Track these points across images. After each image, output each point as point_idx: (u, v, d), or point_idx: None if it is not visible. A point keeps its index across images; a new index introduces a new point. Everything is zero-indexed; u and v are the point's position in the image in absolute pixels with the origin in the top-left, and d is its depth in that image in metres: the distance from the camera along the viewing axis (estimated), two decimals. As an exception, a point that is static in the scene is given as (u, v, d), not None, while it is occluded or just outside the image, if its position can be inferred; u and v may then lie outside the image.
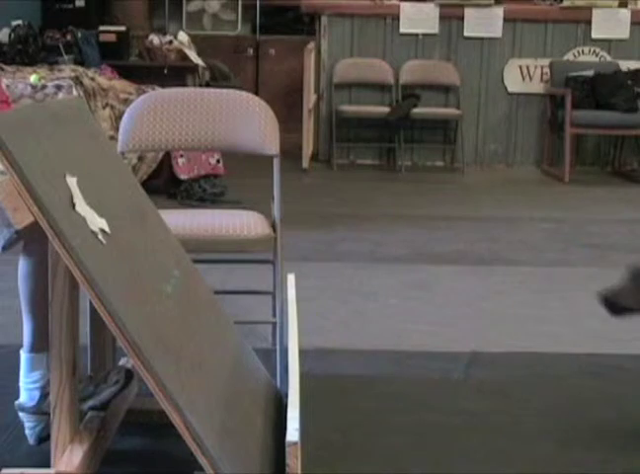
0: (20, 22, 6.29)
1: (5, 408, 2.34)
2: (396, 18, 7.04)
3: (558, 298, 3.77)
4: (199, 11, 8.75)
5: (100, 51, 6.58)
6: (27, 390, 2.15)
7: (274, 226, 2.78)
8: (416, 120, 6.97)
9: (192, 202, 5.39)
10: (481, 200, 5.96)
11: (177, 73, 6.76)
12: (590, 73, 6.75)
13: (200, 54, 7.14)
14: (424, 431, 2.48)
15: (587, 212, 5.60)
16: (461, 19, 7.05)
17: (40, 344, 2.09)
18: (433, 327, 3.35)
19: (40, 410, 2.11)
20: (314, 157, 7.13)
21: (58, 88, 5.22)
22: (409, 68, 7.04)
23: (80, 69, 5.72)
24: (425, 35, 7.09)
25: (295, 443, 1.68)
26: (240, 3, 8.69)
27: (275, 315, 2.87)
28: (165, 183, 5.58)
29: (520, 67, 7.14)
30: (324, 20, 7.11)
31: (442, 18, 7.04)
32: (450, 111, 7.08)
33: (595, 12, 7.04)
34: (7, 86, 5.07)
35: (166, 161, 5.56)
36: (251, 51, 8.54)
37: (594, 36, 7.09)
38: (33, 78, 5.28)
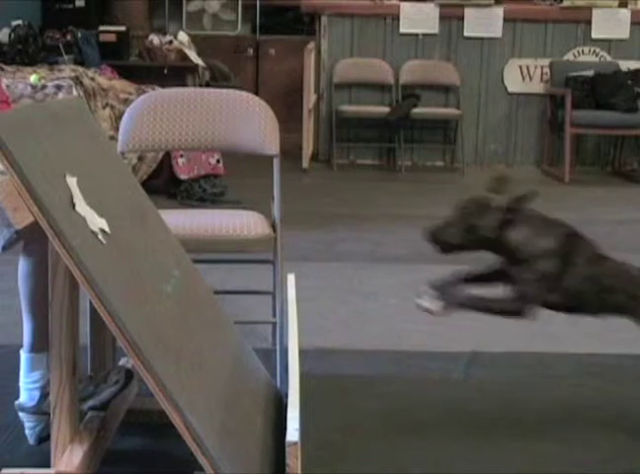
0: (20, 22, 6.30)
1: (5, 408, 2.34)
2: (396, 18, 7.04)
3: (558, 298, 3.76)
4: (199, 11, 8.75)
5: (100, 51, 6.58)
6: (27, 390, 2.15)
7: (274, 226, 2.78)
8: (416, 120, 6.97)
9: (192, 202, 5.39)
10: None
11: (177, 73, 6.76)
12: (590, 73, 6.75)
13: (199, 54, 7.14)
14: (424, 431, 2.48)
15: (587, 212, 5.59)
16: (461, 19, 7.05)
17: (41, 344, 2.09)
18: (433, 327, 3.35)
19: (41, 410, 2.11)
20: (314, 157, 7.13)
21: (58, 88, 5.22)
22: (409, 68, 7.04)
23: (80, 69, 5.72)
24: (425, 35, 7.09)
25: (295, 443, 1.68)
26: (240, 3, 8.69)
27: (275, 315, 2.87)
28: (165, 183, 5.58)
29: (520, 67, 7.14)
30: (324, 20, 7.11)
31: (442, 18, 7.04)
32: (450, 111, 7.08)
33: (595, 12, 7.04)
34: (7, 86, 5.07)
35: (166, 161, 5.56)
36: (251, 51, 8.54)
37: (594, 36, 7.09)
38: (33, 78, 5.28)
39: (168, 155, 5.52)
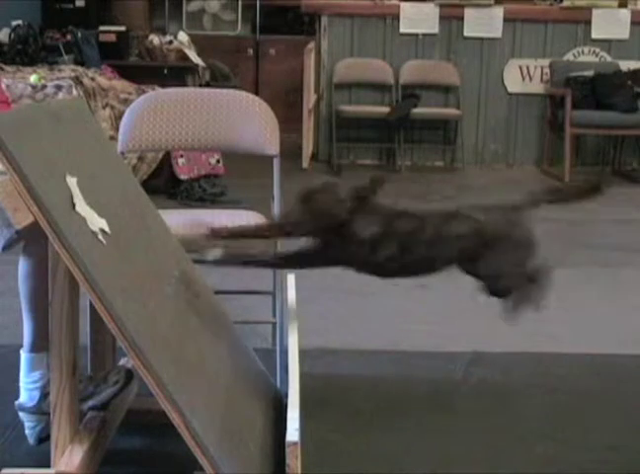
0: (20, 22, 6.30)
1: (5, 408, 2.34)
2: (396, 18, 7.04)
3: (558, 298, 3.75)
4: (199, 11, 8.76)
5: (100, 51, 6.58)
6: (27, 390, 2.15)
7: (274, 226, 2.77)
8: (416, 120, 6.96)
9: (192, 202, 5.39)
10: (481, 201, 5.94)
11: (177, 73, 6.76)
12: (590, 73, 6.74)
13: (199, 54, 7.14)
14: (424, 431, 2.48)
15: (587, 212, 5.59)
16: (461, 19, 7.04)
17: (41, 344, 2.09)
18: (433, 327, 3.35)
19: (41, 410, 2.11)
20: (314, 157, 7.12)
21: (58, 88, 5.21)
22: (409, 68, 7.04)
23: (80, 69, 5.72)
24: (425, 35, 7.08)
25: (295, 443, 1.68)
26: (240, 3, 8.69)
27: (275, 315, 2.87)
28: (165, 183, 5.58)
29: (520, 67, 7.14)
30: (324, 20, 7.10)
31: (442, 18, 7.04)
32: (450, 111, 7.07)
33: (595, 12, 7.04)
34: (7, 86, 5.08)
35: (166, 161, 5.56)
36: (251, 51, 8.54)
37: (594, 36, 7.09)
38: (33, 78, 5.28)
39: (168, 155, 5.52)
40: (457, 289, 3.86)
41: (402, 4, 7.05)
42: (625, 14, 7.08)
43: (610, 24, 7.06)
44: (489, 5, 7.03)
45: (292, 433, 1.70)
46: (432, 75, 7.04)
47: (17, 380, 2.17)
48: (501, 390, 2.79)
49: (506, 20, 7.05)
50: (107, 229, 1.85)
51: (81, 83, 5.35)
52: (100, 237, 1.81)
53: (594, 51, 7.11)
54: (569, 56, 7.12)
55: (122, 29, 7.10)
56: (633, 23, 7.07)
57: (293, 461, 1.68)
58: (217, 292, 2.54)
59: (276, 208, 2.82)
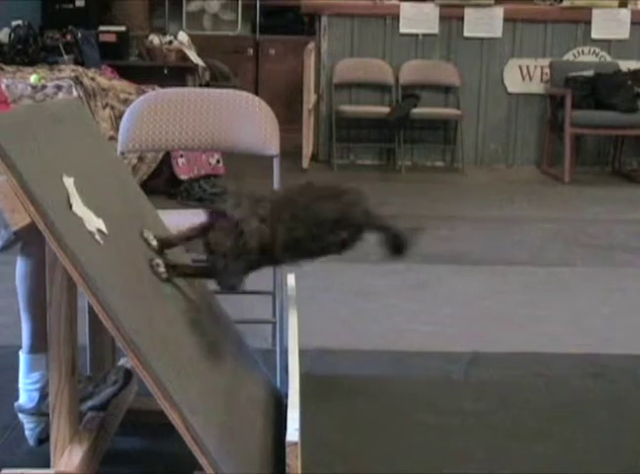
0: (20, 22, 6.29)
1: (4, 409, 2.34)
2: (396, 18, 7.04)
3: (558, 298, 3.76)
4: (199, 11, 8.75)
5: (100, 51, 6.58)
6: (26, 391, 2.14)
7: (273, 226, 2.77)
8: (416, 120, 6.97)
9: (191, 202, 5.38)
10: (481, 200, 5.95)
11: (177, 73, 6.76)
12: (590, 73, 6.75)
13: (199, 54, 7.14)
14: (424, 431, 2.48)
15: (587, 212, 5.59)
16: (461, 19, 7.05)
17: (39, 344, 2.08)
18: (433, 327, 3.35)
19: (40, 411, 2.11)
20: (314, 157, 7.12)
21: (58, 88, 5.22)
22: (409, 68, 7.04)
23: (80, 69, 5.72)
24: (425, 35, 7.09)
25: (295, 443, 1.68)
26: (240, 3, 8.69)
27: (275, 315, 2.86)
28: (165, 183, 5.58)
29: (520, 67, 7.14)
30: (324, 20, 7.10)
31: (442, 18, 7.04)
32: (450, 111, 7.07)
33: (594, 12, 7.04)
34: (7, 86, 5.07)
35: (166, 161, 5.56)
36: (251, 51, 8.54)
37: (594, 36, 7.09)
38: (33, 78, 5.28)
39: (168, 155, 5.52)
40: (457, 290, 3.88)
41: (402, 4, 7.05)
42: (625, 14, 7.08)
43: (610, 24, 7.06)
44: (489, 5, 7.04)
45: (292, 433, 1.70)
46: (432, 75, 7.05)
47: (16, 381, 2.16)
48: (501, 390, 2.79)
49: (506, 20, 7.05)
50: (104, 229, 1.84)
51: (81, 83, 5.35)
52: (97, 237, 1.81)
53: (594, 51, 7.11)
54: (569, 56, 7.12)
55: (122, 29, 7.10)
56: (633, 23, 7.07)
57: (293, 461, 1.68)
58: (217, 292, 2.54)
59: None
